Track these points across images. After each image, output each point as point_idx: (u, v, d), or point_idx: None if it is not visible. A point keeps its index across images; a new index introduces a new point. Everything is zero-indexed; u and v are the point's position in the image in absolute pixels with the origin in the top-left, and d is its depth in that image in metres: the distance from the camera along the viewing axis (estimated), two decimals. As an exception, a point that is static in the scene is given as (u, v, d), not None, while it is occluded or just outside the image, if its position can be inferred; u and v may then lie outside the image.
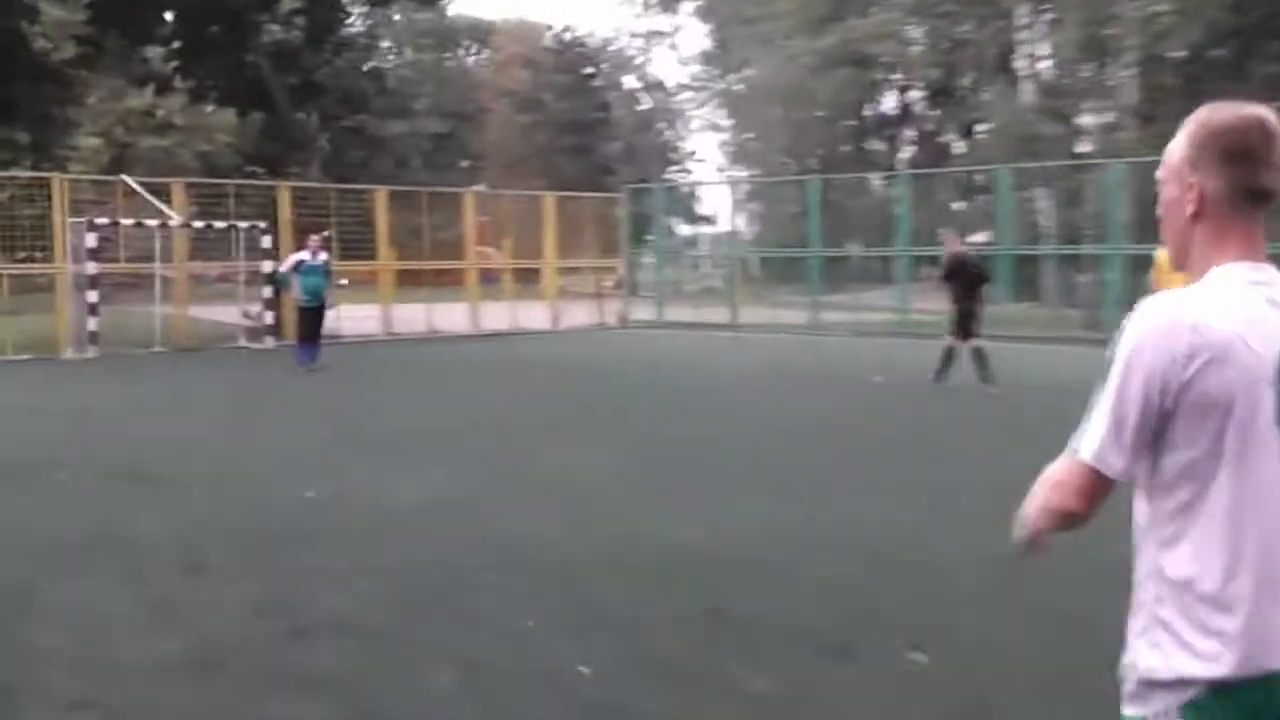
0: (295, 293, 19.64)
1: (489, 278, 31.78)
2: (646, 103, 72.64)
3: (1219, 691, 2.11)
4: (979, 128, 46.18)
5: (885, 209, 34.94)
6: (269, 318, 24.80)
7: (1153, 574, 2.20)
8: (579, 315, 31.58)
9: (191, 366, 21.16)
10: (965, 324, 16.10)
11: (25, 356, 22.33)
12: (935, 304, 19.49)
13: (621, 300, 33.28)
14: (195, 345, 24.48)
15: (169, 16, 35.89)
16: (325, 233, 21.97)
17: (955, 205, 39.68)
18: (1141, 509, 2.24)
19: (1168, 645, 2.16)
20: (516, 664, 5.51)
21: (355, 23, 49.48)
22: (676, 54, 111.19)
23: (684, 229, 60.30)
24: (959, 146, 49.51)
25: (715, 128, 67.73)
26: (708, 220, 59.10)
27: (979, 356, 15.93)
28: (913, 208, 30.78)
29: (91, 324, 22.43)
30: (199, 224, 25.33)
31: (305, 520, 8.50)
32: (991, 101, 42.80)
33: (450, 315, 28.91)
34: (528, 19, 76.32)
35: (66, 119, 36.40)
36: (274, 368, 20.51)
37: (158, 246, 24.50)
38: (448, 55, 72.77)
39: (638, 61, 73.45)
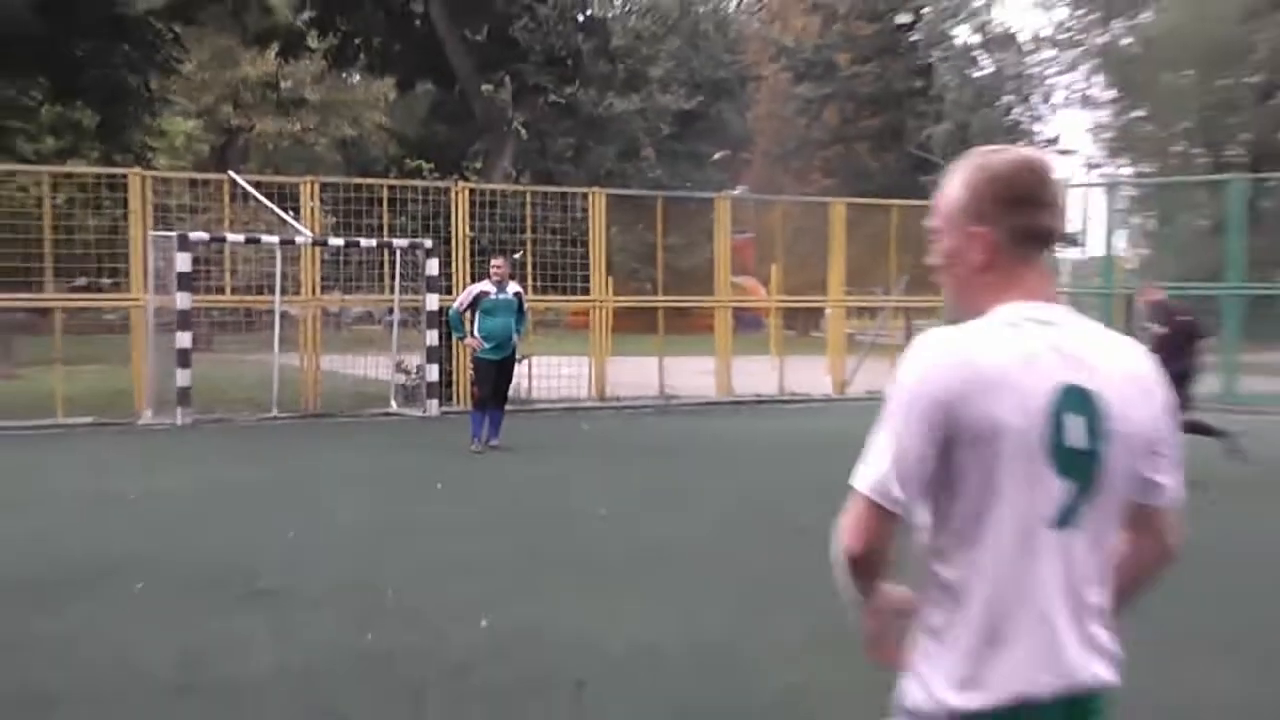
0: (472, 339, 20.09)
1: (749, 321, 31.83)
2: (986, 66, 72.01)
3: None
4: None
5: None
6: (433, 373, 25.40)
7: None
8: (879, 375, 31.25)
9: (322, 439, 21.89)
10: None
11: (85, 420, 23.46)
12: None
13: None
14: (328, 410, 25.37)
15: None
16: (516, 254, 22.20)
17: None
18: (921, 552, 3.16)
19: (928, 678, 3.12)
20: None
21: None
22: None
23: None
24: None
25: (1089, 102, 66.68)
26: (1071, 241, 57.89)
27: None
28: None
29: (182, 378, 22.95)
30: (338, 241, 25.80)
31: (481, 662, 8.61)
32: None
33: (689, 374, 29.25)
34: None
35: (150, 93, 36.48)
36: (437, 443, 21.05)
37: (279, 272, 25.16)
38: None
39: (976, 3, 72.99)
